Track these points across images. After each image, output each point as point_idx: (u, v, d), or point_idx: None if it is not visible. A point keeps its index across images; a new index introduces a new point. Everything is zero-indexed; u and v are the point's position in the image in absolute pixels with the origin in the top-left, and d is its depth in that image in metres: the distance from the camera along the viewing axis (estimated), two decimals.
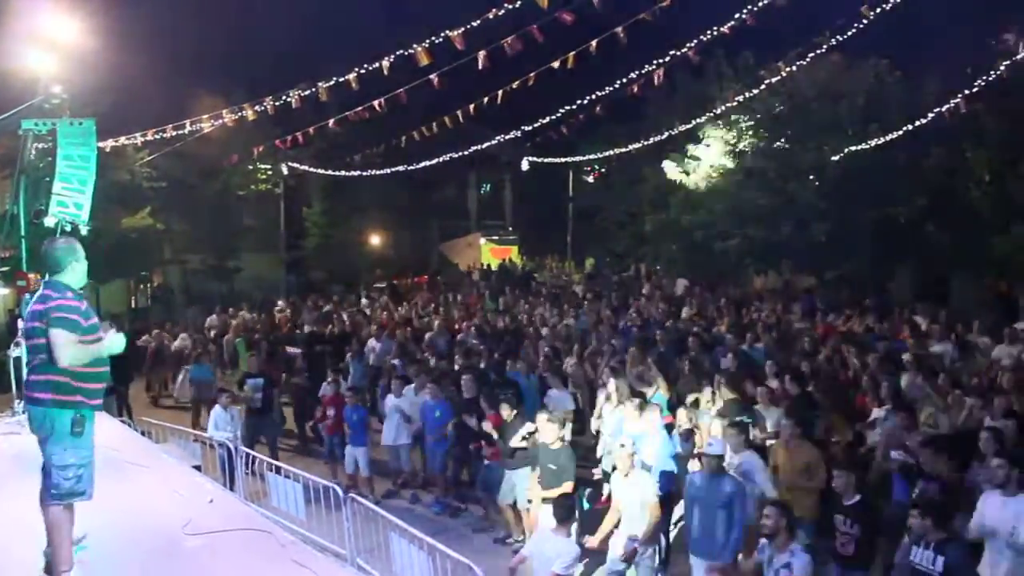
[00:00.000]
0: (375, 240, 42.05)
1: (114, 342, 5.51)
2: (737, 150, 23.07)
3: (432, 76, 14.72)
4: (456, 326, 19.78)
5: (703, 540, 8.01)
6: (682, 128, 20.73)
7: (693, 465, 9.68)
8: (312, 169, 29.72)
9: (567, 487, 9.32)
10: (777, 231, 21.42)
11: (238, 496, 8.38)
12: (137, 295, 32.11)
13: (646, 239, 28.26)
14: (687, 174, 24.79)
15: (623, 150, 23.94)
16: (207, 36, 26.82)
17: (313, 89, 15.39)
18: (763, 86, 18.47)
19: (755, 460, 9.09)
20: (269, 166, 31.82)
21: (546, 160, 27.92)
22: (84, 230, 11.66)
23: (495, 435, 11.10)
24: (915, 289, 21.18)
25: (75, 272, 5.48)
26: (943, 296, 20.02)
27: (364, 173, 28.57)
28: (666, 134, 21.24)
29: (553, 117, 20.61)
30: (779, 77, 18.26)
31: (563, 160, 30.41)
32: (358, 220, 38.58)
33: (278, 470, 9.69)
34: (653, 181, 27.16)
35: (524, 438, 10.48)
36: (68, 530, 5.34)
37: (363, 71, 14.44)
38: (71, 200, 11.30)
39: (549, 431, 9.77)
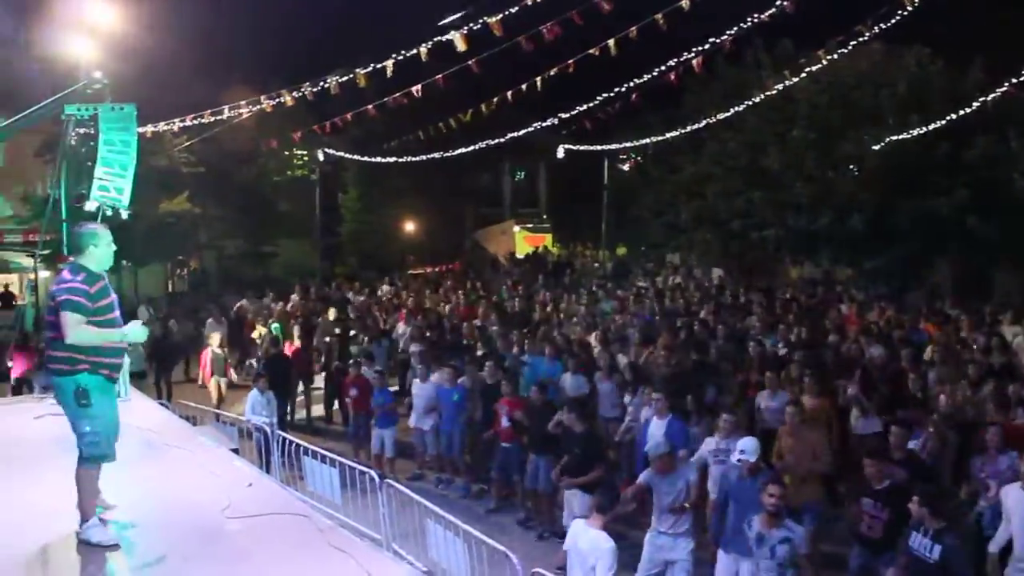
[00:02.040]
0: (409, 227, 42.18)
1: (135, 332, 5.80)
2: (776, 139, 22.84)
3: (469, 62, 14.70)
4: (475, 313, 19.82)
5: (734, 536, 7.94)
6: (720, 116, 20.48)
7: None
8: (348, 155, 29.80)
9: (595, 474, 9.38)
10: (816, 221, 21.17)
11: (275, 480, 8.40)
12: (174, 279, 32.48)
13: (681, 228, 28.03)
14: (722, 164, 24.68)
15: (660, 138, 23.72)
16: (244, 23, 27.01)
17: (350, 75, 15.42)
18: (804, 74, 18.18)
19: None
20: (305, 152, 31.98)
21: (581, 148, 27.77)
22: (125, 214, 11.77)
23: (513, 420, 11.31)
24: (956, 282, 20.82)
25: (93, 256, 5.68)
26: (987, 289, 19.69)
27: (400, 160, 28.60)
28: (704, 123, 21.03)
29: (589, 105, 20.48)
30: (820, 65, 17.93)
31: (599, 148, 30.24)
32: (393, 207, 38.69)
33: (314, 454, 9.77)
34: (690, 170, 26.95)
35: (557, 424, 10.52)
36: (90, 488, 5.65)
37: (400, 57, 14.44)
38: (112, 185, 11.38)
39: (570, 417, 9.88)
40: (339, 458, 9.47)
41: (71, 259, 5.80)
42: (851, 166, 21.52)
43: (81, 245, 5.67)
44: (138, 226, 17.93)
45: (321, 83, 16.09)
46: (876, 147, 19.93)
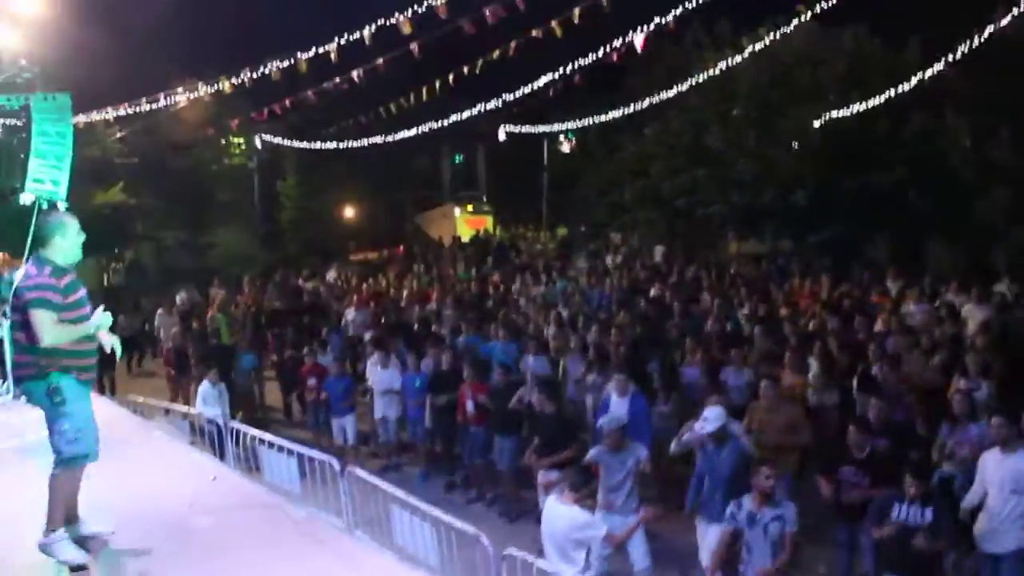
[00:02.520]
0: (350, 212, 41.76)
1: (102, 319, 5.43)
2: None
3: (411, 46, 14.56)
4: (429, 297, 19.71)
5: (707, 505, 8.14)
6: (663, 96, 20.58)
7: None
8: (286, 142, 29.32)
9: (567, 453, 9.34)
10: (759, 197, 21.42)
11: (238, 472, 8.24)
12: (110, 273, 31.66)
13: (625, 207, 28.17)
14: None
15: (603, 118, 23.75)
16: (179, 8, 26.32)
17: (289, 61, 15.15)
18: (746, 53, 18.34)
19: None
20: (242, 140, 31.42)
21: (523, 130, 27.71)
22: (62, 207, 11.45)
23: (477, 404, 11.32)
24: (892, 256, 21.21)
25: (59, 247, 5.32)
26: (920, 263, 20.10)
27: (339, 145, 28.23)
28: (647, 102, 21.12)
29: (532, 87, 20.39)
30: (760, 45, 18.09)
31: (541, 130, 30.20)
32: (333, 192, 38.25)
33: (271, 444, 9.60)
34: (632, 149, 27.07)
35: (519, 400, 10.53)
36: (66, 492, 5.33)
37: (342, 42, 14.23)
38: (48, 176, 11.03)
39: (540, 398, 9.91)
40: (297, 447, 9.34)
41: (35, 253, 5.38)
42: (792, 143, 21.77)
43: (45, 236, 5.29)
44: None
45: (260, 69, 15.77)
46: (816, 124, 20.22)
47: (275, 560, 5.28)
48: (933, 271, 18.16)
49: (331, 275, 25.47)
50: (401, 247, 38.45)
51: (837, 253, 21.11)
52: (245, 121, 24.02)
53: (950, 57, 16.50)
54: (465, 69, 17.51)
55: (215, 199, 31.83)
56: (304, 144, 29.57)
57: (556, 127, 29.47)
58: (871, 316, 13.73)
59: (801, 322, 13.96)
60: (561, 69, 19.07)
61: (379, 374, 13.10)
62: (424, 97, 19.34)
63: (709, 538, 7.98)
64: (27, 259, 5.48)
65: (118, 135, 23.27)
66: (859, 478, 7.90)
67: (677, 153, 24.75)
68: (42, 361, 5.17)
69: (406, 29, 13.21)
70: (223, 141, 30.62)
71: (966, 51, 16.65)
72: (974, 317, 13.25)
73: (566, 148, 43.59)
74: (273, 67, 15.46)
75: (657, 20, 14.70)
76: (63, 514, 5.36)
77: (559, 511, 7.09)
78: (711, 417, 8.12)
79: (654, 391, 11.02)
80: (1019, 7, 14.57)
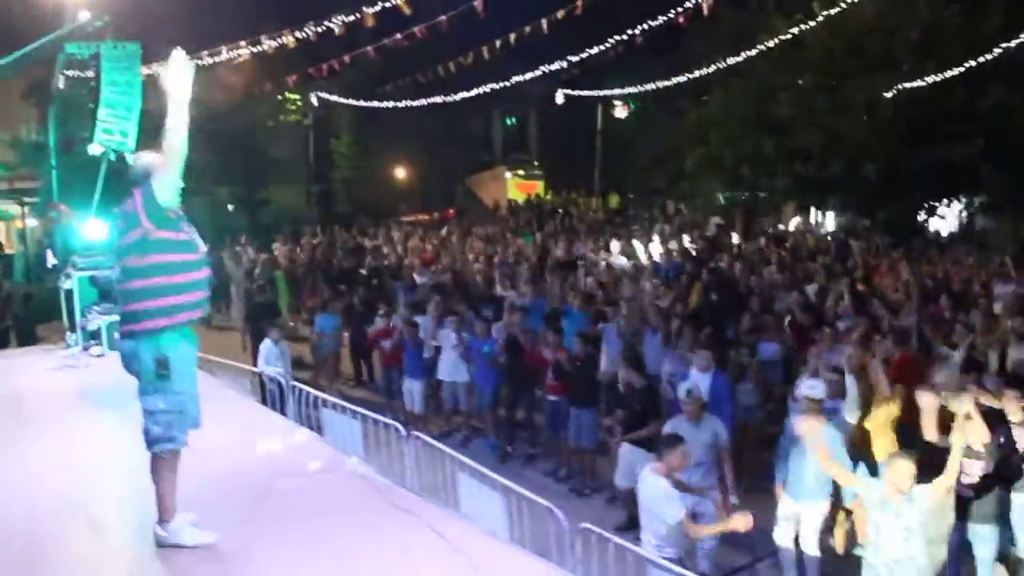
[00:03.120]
0: (401, 173, 41.61)
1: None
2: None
3: (471, 3, 14.32)
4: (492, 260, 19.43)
5: (795, 482, 7.88)
6: (731, 61, 20.02)
7: None
8: (342, 100, 29.17)
9: (650, 429, 9.05)
10: (827, 168, 20.80)
11: (319, 437, 8.00)
12: None
13: (685, 175, 27.63)
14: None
15: (664, 83, 23.23)
16: None
17: (350, 16, 14.94)
18: (820, 18, 17.71)
19: None
20: (298, 97, 31.31)
21: (581, 93, 27.22)
22: (131, 159, 11.36)
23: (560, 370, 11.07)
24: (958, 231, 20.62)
25: (173, 190, 4.96)
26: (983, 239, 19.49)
27: (396, 104, 28.01)
28: (712, 68, 20.56)
29: (588, 52, 19.99)
30: (837, 10, 17.44)
31: (598, 93, 29.74)
32: (386, 153, 38.10)
33: (333, 406, 9.48)
34: (694, 115, 26.52)
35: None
36: (168, 479, 4.84)
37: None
38: (117, 127, 10.97)
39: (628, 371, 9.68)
40: (361, 410, 9.20)
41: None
42: (862, 114, 21.08)
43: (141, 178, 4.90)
44: (119, 172, 17.40)
45: (321, 24, 15.58)
46: (889, 94, 19.54)
47: (359, 529, 5.10)
48: (994, 247, 17.64)
49: (395, 235, 25.24)
50: (452, 210, 38.30)
51: (901, 228, 20.55)
52: (302, 77, 23.84)
53: None
54: (527, 29, 17.21)
55: (270, 156, 31.77)
56: (359, 102, 29.42)
57: (615, 92, 29.01)
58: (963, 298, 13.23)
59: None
60: (619, 33, 18.73)
61: (450, 338, 12.75)
62: (482, 57, 18.98)
63: (806, 517, 7.75)
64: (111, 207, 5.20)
65: None
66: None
67: (741, 120, 24.13)
68: (158, 311, 4.68)
69: None
70: (279, 97, 30.49)
71: None
72: None
73: (621, 113, 42.90)
74: (335, 22, 15.26)
75: None
76: (175, 500, 4.91)
77: (648, 481, 6.87)
78: (818, 387, 7.88)
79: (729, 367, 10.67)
80: None
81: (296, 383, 10.50)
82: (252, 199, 31.14)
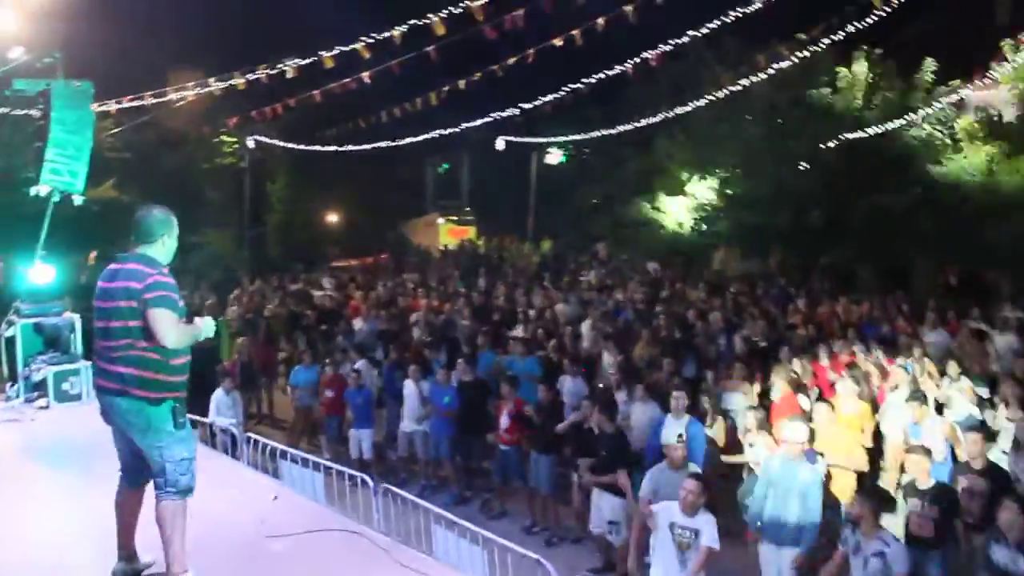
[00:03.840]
0: (334, 218, 41.21)
1: (207, 326, 4.97)
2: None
3: (417, 53, 14.42)
4: (442, 308, 19.22)
5: (774, 526, 7.84)
6: (676, 112, 20.40)
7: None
8: (279, 143, 28.81)
9: (620, 476, 9.13)
10: (775, 216, 21.25)
11: (299, 492, 7.66)
12: (88, 271, 30.79)
13: (624, 223, 27.85)
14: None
15: (609, 131, 23.51)
16: (175, 3, 25.79)
17: (290, 63, 14.85)
18: (766, 74, 18.22)
19: None
20: (235, 139, 30.82)
21: (523, 140, 27.38)
22: (79, 200, 10.98)
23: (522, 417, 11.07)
24: (879, 277, 21.09)
25: (165, 247, 4.93)
26: (904, 285, 20.01)
27: (331, 149, 27.79)
28: (660, 117, 20.91)
29: (538, 102, 20.14)
30: (785, 64, 17.97)
31: (540, 140, 29.99)
32: (320, 197, 37.69)
33: (293, 458, 9.14)
34: (635, 165, 26.85)
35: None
36: (184, 526, 4.80)
37: (341, 50, 14.00)
38: (65, 168, 10.55)
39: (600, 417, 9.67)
40: (323, 461, 8.89)
41: (134, 250, 4.89)
42: (804, 164, 21.63)
43: (153, 233, 4.87)
44: (60, 214, 16.86)
45: (266, 68, 15.40)
46: (831, 144, 20.13)
47: None
48: (916, 294, 18.18)
49: (327, 282, 24.87)
50: (384, 255, 37.95)
51: (836, 275, 21.01)
52: (240, 119, 23.49)
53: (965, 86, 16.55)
54: (467, 80, 17.30)
55: (204, 198, 31.13)
56: (295, 145, 29.09)
57: (555, 139, 29.26)
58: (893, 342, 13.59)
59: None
60: (556, 82, 18.92)
61: (410, 388, 12.70)
62: (416, 104, 19.02)
63: (783, 562, 7.71)
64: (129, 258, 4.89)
65: (115, 130, 22.55)
66: (924, 509, 7.56)
67: (686, 169, 24.44)
68: (168, 380, 4.73)
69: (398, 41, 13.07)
70: (215, 139, 29.99)
71: (982, 76, 16.75)
72: (996, 344, 13.17)
73: (552, 160, 43.31)
74: (287, 64, 15.09)
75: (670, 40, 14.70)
76: (184, 553, 4.81)
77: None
78: (797, 430, 7.90)
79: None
80: None
81: (250, 434, 10.17)
82: (184, 243, 30.27)
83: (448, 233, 46.04)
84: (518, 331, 15.81)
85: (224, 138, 30.62)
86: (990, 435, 9.11)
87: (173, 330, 4.61)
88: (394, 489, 8.11)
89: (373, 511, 7.84)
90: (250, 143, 29.81)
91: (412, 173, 49.66)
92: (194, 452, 4.86)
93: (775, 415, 10.06)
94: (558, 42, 15.09)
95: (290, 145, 28.78)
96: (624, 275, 24.39)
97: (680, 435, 8.45)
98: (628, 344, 14.26)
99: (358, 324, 17.72)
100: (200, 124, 25.70)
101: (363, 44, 13.65)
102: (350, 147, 25.96)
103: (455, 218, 47.72)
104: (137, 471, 4.90)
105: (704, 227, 23.86)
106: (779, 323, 15.75)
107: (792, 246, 21.86)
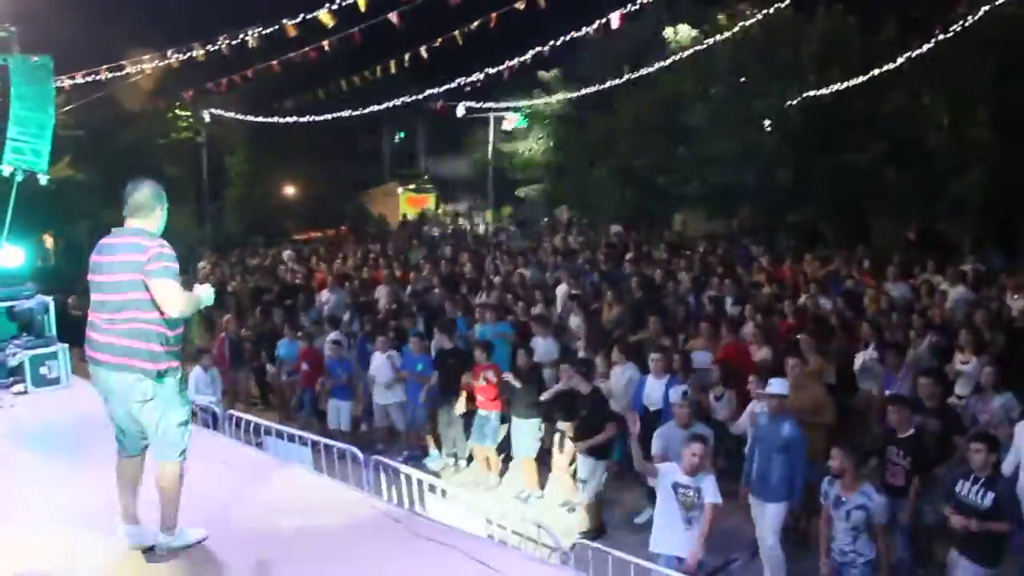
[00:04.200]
0: (292, 190, 40.76)
1: (207, 294, 5.07)
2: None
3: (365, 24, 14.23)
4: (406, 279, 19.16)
5: (758, 482, 8.10)
6: (641, 72, 20.38)
7: None
8: (236, 115, 28.30)
9: (607, 434, 9.29)
10: (743, 175, 21.40)
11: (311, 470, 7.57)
12: (52, 255, 30.17)
13: (591, 184, 27.86)
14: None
15: (570, 95, 23.45)
16: None
17: (243, 36, 14.57)
18: (729, 33, 18.28)
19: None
20: (189, 113, 30.22)
21: (483, 105, 27.20)
22: (44, 179, 10.73)
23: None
24: (840, 235, 21.37)
25: (158, 219, 4.95)
26: (866, 240, 20.33)
27: (292, 120, 27.38)
28: (625, 78, 20.87)
29: (488, 71, 20.01)
30: (751, 22, 18.03)
31: (500, 106, 29.84)
32: (279, 170, 37.21)
33: (277, 433, 9.11)
34: (599, 126, 26.81)
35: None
36: (180, 486, 5.00)
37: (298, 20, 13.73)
38: (28, 146, 10.28)
39: (578, 379, 9.75)
40: (309, 435, 8.87)
41: (129, 223, 4.89)
42: (769, 122, 21.77)
43: (148, 206, 4.89)
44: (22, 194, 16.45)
45: (221, 41, 15.08)
46: (794, 102, 20.27)
47: (401, 563, 4.83)
48: (876, 248, 18.52)
49: (287, 254, 24.63)
50: (345, 227, 37.68)
51: (801, 233, 21.28)
52: (196, 93, 23.03)
53: (927, 43, 16.72)
54: (425, 48, 17.09)
55: (162, 174, 30.50)
56: (251, 118, 28.62)
57: (515, 104, 29.13)
58: (858, 296, 13.87)
59: (800, 301, 13.89)
60: (513, 47, 18.80)
61: (379, 359, 12.59)
62: (375, 73, 18.81)
63: (770, 517, 7.89)
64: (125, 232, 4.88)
65: (70, 106, 21.99)
66: (900, 458, 7.87)
67: (650, 130, 24.50)
68: (163, 351, 4.80)
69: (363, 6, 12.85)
70: (170, 114, 29.40)
71: (940, 34, 16.94)
72: (950, 296, 13.50)
73: (507, 126, 43.12)
74: (243, 36, 14.76)
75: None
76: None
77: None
78: (775, 383, 8.05)
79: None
80: None
81: (232, 411, 10.10)
82: None
83: (407, 202, 45.88)
84: (482, 297, 15.88)
85: (179, 111, 29.99)
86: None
87: (179, 299, 4.67)
88: (385, 460, 8.13)
89: (363, 483, 7.89)
90: (206, 116, 29.29)
91: (370, 143, 49.28)
92: (189, 415, 5.03)
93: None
94: (519, 5, 14.83)
95: (246, 117, 28.30)
96: (589, 239, 24.53)
97: (684, 393, 8.52)
98: (595, 305, 14.42)
99: (324, 296, 17.62)
100: (155, 98, 25.12)
101: (319, 13, 13.33)
102: (306, 118, 25.60)
103: (413, 187, 47.45)
104: (135, 438, 4.99)
105: (671, 189, 23.86)
106: (744, 282, 15.90)
107: (759, 205, 22.05)
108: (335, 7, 13.10)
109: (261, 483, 5.99)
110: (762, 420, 8.28)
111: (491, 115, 37.54)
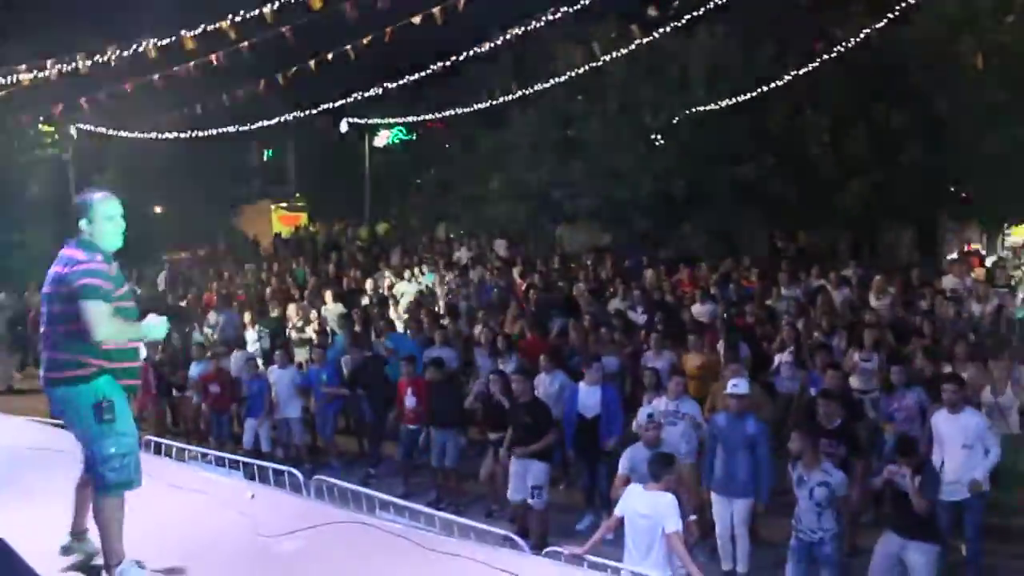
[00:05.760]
0: (160, 209, 39.30)
1: (155, 328, 4.82)
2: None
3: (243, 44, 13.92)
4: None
5: (724, 479, 8.47)
6: (536, 88, 20.73)
7: None
8: (103, 130, 27.05)
9: (547, 440, 9.59)
10: (640, 188, 21.93)
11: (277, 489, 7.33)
12: None
13: (475, 202, 27.97)
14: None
15: (455, 112, 23.55)
16: None
17: (116, 52, 14.12)
18: (627, 50, 18.83)
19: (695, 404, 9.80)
20: (52, 129, 28.75)
21: (368, 121, 26.90)
22: None
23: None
24: (708, 244, 22.23)
25: (103, 231, 4.82)
26: (734, 248, 21.28)
27: (162, 136, 26.40)
28: (517, 94, 21.15)
29: (381, 89, 19.95)
30: (640, 43, 18.63)
31: (385, 121, 29.63)
32: (152, 188, 35.74)
33: (204, 457, 8.80)
34: (486, 143, 27.00)
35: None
36: (119, 521, 4.73)
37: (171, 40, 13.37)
38: None
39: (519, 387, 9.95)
40: (240, 458, 8.60)
41: (78, 235, 4.79)
42: (660, 137, 22.47)
43: (84, 216, 4.76)
44: None
45: (88, 57, 14.52)
46: (680, 118, 21.06)
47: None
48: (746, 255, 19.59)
49: (162, 276, 23.85)
50: (221, 245, 36.61)
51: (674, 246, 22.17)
52: (64, 107, 21.90)
53: (805, 64, 17.79)
54: (311, 63, 16.86)
55: (26, 194, 28.92)
56: (122, 133, 27.45)
57: (399, 120, 28.98)
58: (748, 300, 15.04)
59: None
60: (390, 64, 18.83)
61: (278, 374, 12.89)
62: (249, 90, 18.48)
63: (738, 512, 8.18)
64: (70, 243, 4.79)
65: None
66: (834, 448, 8.34)
67: (543, 146, 24.86)
68: (91, 360, 4.55)
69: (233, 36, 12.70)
70: (32, 132, 27.89)
71: (820, 56, 18.06)
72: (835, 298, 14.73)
73: (380, 143, 42.87)
74: (112, 55, 14.25)
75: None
76: (122, 545, 4.73)
77: (646, 497, 6.98)
78: (740, 383, 8.36)
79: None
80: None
81: (150, 437, 9.67)
82: (4, 243, 28.01)
83: (280, 220, 45.01)
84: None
85: (42, 128, 28.47)
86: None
87: (103, 324, 4.50)
88: (329, 480, 7.95)
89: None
90: (72, 132, 27.90)
91: (240, 160, 47.92)
92: (128, 447, 4.69)
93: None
94: (416, 20, 14.66)
95: (112, 132, 27.09)
96: (485, 254, 24.68)
97: (650, 415, 8.68)
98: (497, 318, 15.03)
99: (213, 317, 17.31)
100: (16, 115, 23.75)
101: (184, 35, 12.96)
102: (172, 134, 24.87)
103: (285, 204, 46.58)
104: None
105: (564, 203, 24.32)
106: (649, 290, 16.46)
107: (653, 217, 22.68)
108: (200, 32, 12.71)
109: (235, 507, 5.77)
110: (721, 421, 8.60)
111: (364, 133, 37.44)
